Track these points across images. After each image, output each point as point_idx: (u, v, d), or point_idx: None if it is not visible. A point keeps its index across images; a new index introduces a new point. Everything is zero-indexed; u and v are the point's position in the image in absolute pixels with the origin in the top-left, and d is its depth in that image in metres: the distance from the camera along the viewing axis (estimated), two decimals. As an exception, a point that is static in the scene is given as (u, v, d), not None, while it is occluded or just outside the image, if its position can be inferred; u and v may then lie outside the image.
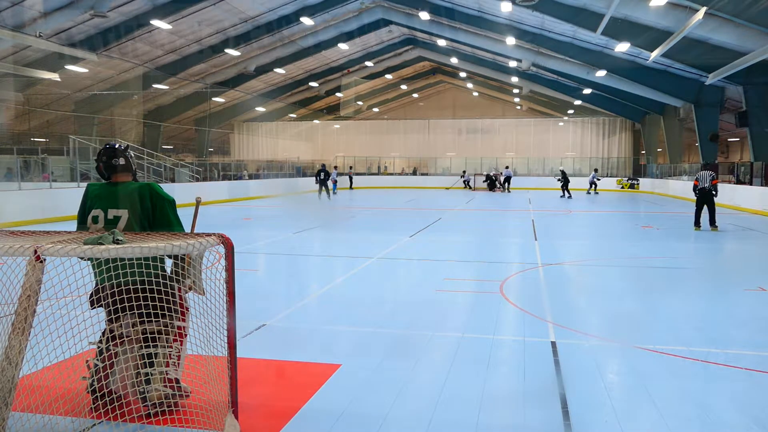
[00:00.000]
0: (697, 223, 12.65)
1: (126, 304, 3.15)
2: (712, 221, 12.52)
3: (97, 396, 3.26)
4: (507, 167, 33.35)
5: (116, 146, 3.51)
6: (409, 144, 42.70)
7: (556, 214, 17.82)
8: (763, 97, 20.53)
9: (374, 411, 3.43)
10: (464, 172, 36.15)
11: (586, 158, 39.01)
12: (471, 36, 26.57)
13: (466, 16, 23.59)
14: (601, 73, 24.76)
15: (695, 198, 12.66)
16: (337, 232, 13.32)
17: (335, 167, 32.70)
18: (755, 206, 18.04)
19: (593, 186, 29.74)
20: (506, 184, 31.50)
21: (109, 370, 3.25)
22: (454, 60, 33.64)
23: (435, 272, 8.21)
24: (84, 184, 14.53)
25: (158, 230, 3.33)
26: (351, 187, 34.25)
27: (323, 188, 24.94)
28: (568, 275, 8.07)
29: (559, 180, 26.49)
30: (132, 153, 3.64)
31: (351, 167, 38.41)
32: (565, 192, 26.00)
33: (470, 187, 34.59)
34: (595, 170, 31.81)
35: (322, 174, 24.62)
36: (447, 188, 35.15)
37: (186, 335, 3.39)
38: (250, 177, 31.25)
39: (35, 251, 2.66)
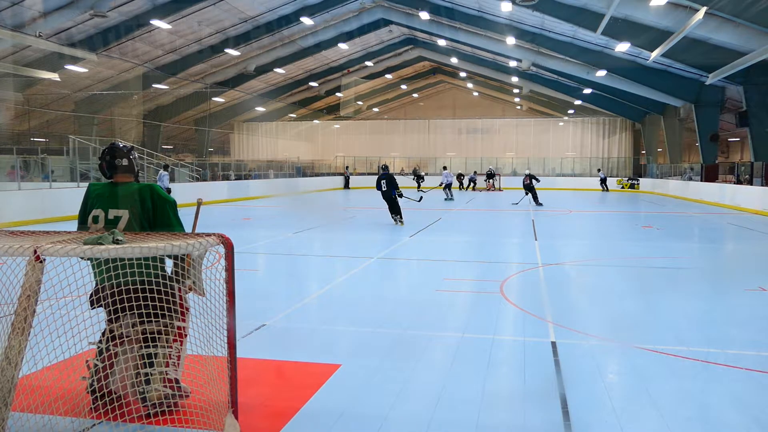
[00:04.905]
0: None
1: (126, 305, 3.15)
2: None
3: (97, 396, 3.26)
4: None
5: (121, 146, 3.51)
6: (409, 144, 42.70)
7: (556, 214, 17.82)
8: (763, 97, 20.53)
9: (374, 411, 3.43)
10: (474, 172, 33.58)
11: (587, 158, 39.02)
12: (471, 36, 26.58)
13: (466, 16, 23.60)
14: (601, 73, 24.76)
15: None
16: (337, 232, 13.31)
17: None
18: (755, 206, 18.04)
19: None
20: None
21: (109, 370, 3.25)
22: (454, 60, 33.64)
23: (435, 272, 8.21)
24: (84, 184, 14.52)
25: (159, 231, 3.32)
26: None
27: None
28: (568, 275, 8.06)
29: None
30: (136, 154, 3.63)
31: (417, 168, 30.48)
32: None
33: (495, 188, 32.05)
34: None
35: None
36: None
37: (186, 335, 3.39)
38: (238, 178, 30.21)
39: (35, 251, 2.66)
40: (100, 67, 25.95)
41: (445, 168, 27.31)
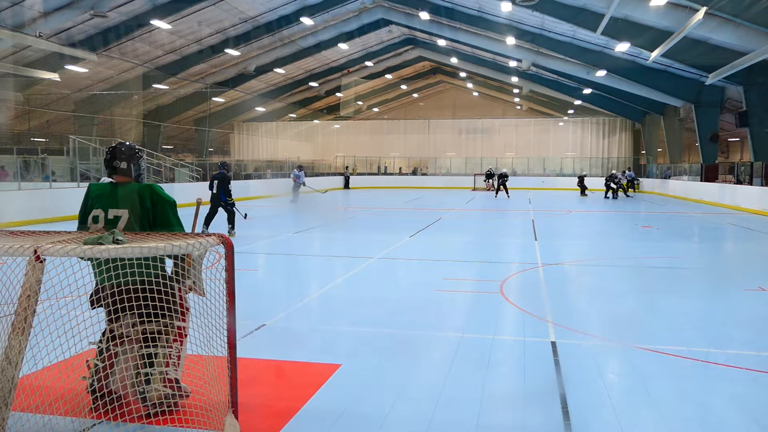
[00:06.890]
0: None
1: (126, 304, 3.15)
2: None
3: (97, 396, 3.26)
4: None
5: (124, 148, 3.49)
6: (409, 144, 42.72)
7: (556, 214, 17.82)
8: (763, 97, 20.53)
9: (374, 411, 3.43)
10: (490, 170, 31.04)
11: (586, 158, 39.02)
12: (471, 36, 26.58)
13: (466, 16, 23.60)
14: (601, 73, 24.76)
15: None
16: (337, 232, 13.31)
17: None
18: (755, 206, 18.04)
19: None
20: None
21: (109, 370, 3.25)
22: (454, 60, 33.65)
23: (435, 272, 8.21)
24: (84, 185, 14.48)
25: (159, 231, 3.32)
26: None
27: None
28: (568, 275, 8.06)
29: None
30: (142, 156, 3.59)
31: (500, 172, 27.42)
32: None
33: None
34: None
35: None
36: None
37: (186, 335, 3.39)
38: (237, 178, 29.35)
39: (35, 251, 2.66)
40: (100, 67, 25.95)
41: (300, 168, 26.21)
